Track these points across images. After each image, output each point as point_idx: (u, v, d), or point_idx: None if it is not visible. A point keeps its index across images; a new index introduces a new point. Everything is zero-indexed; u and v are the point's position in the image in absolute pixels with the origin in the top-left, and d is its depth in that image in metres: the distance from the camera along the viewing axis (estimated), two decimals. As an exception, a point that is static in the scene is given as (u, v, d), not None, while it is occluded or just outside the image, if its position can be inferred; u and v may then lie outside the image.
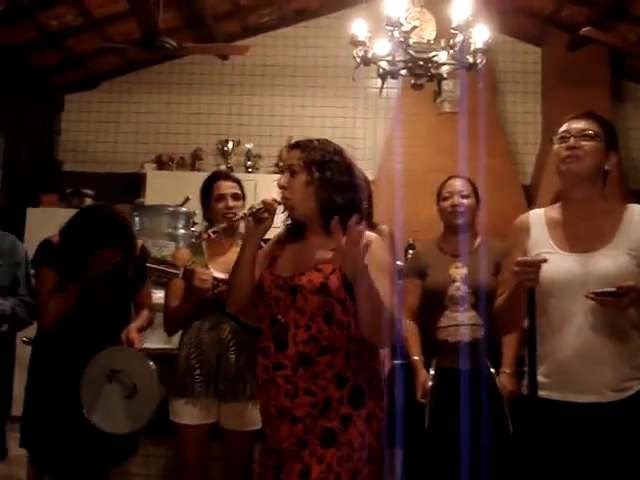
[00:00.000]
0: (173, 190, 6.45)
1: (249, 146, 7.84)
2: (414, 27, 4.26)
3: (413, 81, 4.46)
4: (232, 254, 3.16)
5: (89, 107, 8.16)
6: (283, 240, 2.49)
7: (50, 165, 7.76)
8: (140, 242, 3.38)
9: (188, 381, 3.12)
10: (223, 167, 7.78)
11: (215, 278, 3.05)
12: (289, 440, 2.25)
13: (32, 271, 3.24)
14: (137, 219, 5.23)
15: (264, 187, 7.54)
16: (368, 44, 4.47)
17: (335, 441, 2.21)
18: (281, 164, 2.49)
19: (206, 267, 3.16)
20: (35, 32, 6.89)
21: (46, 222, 3.38)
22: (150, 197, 7.15)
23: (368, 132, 7.88)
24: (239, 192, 3.33)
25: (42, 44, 7.12)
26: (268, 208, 2.35)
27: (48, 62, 7.53)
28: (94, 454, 3.07)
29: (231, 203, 3.25)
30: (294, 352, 2.25)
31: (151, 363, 3.01)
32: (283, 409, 2.26)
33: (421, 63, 4.33)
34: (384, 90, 4.73)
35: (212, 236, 2.49)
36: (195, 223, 5.38)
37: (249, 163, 7.84)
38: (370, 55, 4.44)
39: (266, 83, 8.12)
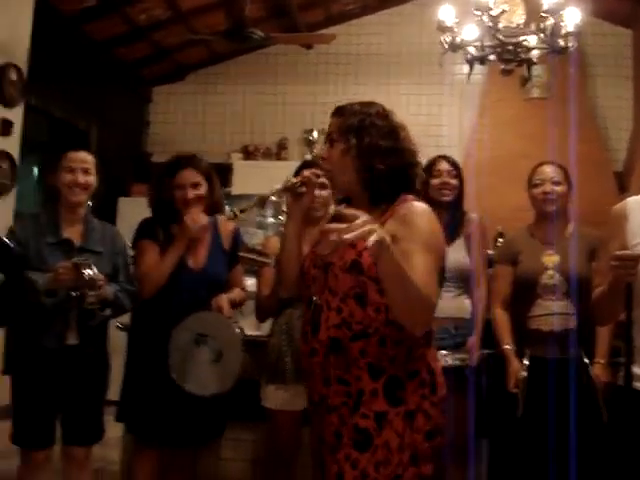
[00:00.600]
0: (259, 180, 6.51)
1: (334, 135, 7.84)
2: (503, 11, 4.18)
3: (502, 66, 4.38)
4: None
5: (176, 99, 8.31)
6: (334, 216, 2.28)
7: (140, 156, 7.94)
8: (233, 225, 3.42)
9: (279, 367, 3.16)
10: (308, 156, 7.82)
11: None
12: (327, 430, 2.09)
13: (131, 255, 3.32)
14: (227, 208, 5.30)
15: (349, 176, 7.58)
16: (456, 30, 4.41)
17: (370, 444, 1.99)
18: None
19: None
20: (124, 26, 7.06)
21: (136, 211, 3.45)
22: (237, 187, 7.24)
23: (453, 119, 7.75)
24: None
25: (130, 38, 7.30)
26: (305, 182, 2.24)
27: (136, 55, 7.72)
28: (187, 427, 3.12)
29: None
30: (325, 337, 2.07)
31: (237, 329, 3.05)
32: (323, 397, 2.11)
33: (510, 48, 4.25)
34: (469, 76, 4.64)
35: (238, 215, 2.39)
36: (284, 212, 5.40)
37: (333, 152, 7.83)
38: (458, 41, 4.37)
39: (350, 71, 8.10)
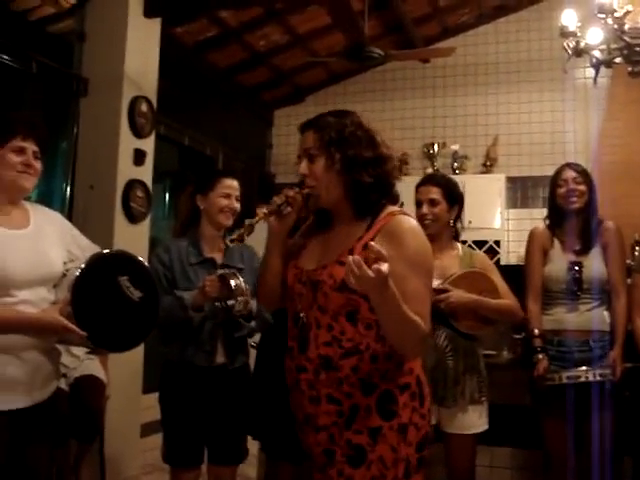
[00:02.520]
0: (382, 196, 6.55)
1: (455, 147, 7.81)
2: (627, 12, 4.04)
3: (630, 69, 4.22)
4: (448, 258, 3.17)
5: (297, 120, 8.37)
6: (312, 228, 2.24)
7: (264, 178, 8.12)
8: None
9: None
10: (429, 170, 7.80)
11: (434, 289, 3.02)
12: (315, 449, 2.07)
13: None
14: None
15: (472, 188, 7.47)
16: (579, 34, 4.29)
17: (364, 460, 1.97)
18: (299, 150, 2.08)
19: None
20: (244, 53, 7.28)
21: (263, 231, 3.51)
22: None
23: (578, 125, 7.53)
24: (437, 197, 3.15)
25: (251, 64, 7.51)
26: (290, 202, 2.13)
27: (257, 80, 7.94)
28: None
29: (425, 210, 3.16)
30: (315, 355, 2.03)
31: None
32: (308, 416, 2.08)
33: (638, 49, 4.09)
34: (591, 80, 4.50)
35: (230, 245, 2.31)
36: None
37: (455, 165, 7.80)
38: (582, 45, 4.25)
39: (469, 82, 8.03)
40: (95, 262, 2.36)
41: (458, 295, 3.01)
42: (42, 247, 2.44)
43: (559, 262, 3.41)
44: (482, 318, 3.11)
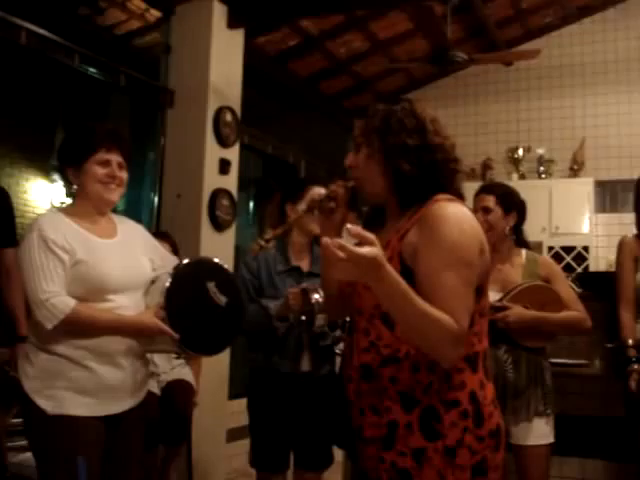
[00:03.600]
0: (467, 201, 6.46)
1: (540, 151, 7.67)
2: None
3: None
4: (510, 271, 3.12)
5: (378, 127, 8.44)
6: (368, 226, 1.97)
7: (293, 177, 8.09)
8: None
9: None
10: (514, 175, 7.68)
11: (491, 307, 2.97)
12: (369, 463, 1.88)
13: None
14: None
15: (559, 193, 7.34)
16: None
17: None
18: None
19: None
20: (325, 61, 7.31)
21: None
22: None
23: (670, 125, 7.29)
24: (491, 205, 3.13)
25: (332, 72, 7.54)
26: (332, 196, 1.98)
27: (338, 88, 7.95)
28: None
29: (480, 219, 3.10)
30: (357, 363, 1.86)
31: None
32: (358, 428, 1.91)
33: None
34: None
35: (264, 245, 2.06)
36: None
37: (542, 169, 7.66)
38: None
39: (554, 85, 7.87)
40: (185, 268, 2.45)
41: (517, 313, 2.96)
42: (131, 254, 2.52)
43: None
44: (544, 333, 3.05)
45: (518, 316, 2.96)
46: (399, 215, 1.89)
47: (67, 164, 2.52)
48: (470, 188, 8.08)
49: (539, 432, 3.03)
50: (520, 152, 7.79)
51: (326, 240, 1.51)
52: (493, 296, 3.02)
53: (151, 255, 2.60)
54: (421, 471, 1.75)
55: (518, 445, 3.05)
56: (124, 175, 2.51)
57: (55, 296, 2.28)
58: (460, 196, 1.90)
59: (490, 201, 3.12)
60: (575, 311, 3.08)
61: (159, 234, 4.00)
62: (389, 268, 1.57)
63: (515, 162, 7.83)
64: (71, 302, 2.30)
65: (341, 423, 3.26)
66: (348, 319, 2.01)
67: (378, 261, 1.53)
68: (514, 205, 3.16)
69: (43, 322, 2.29)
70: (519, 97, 8.01)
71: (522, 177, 7.72)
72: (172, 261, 2.63)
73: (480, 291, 1.81)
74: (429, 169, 1.85)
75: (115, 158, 2.48)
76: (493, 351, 2.97)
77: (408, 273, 1.72)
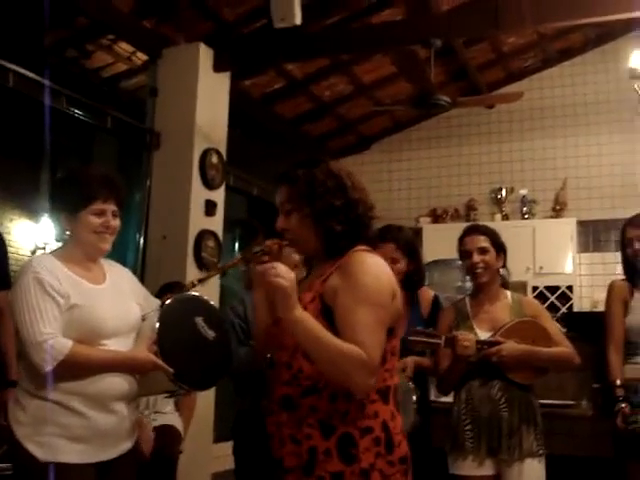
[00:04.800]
0: (450, 243, 6.48)
1: (523, 192, 7.74)
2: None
3: None
4: (498, 311, 3.15)
5: (362, 168, 8.48)
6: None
7: (246, 223, 8.09)
8: (432, 293, 3.44)
9: (459, 436, 3.08)
10: (498, 216, 7.74)
11: (478, 342, 2.99)
12: None
13: None
14: (427, 274, 5.33)
15: (542, 233, 7.39)
16: (650, 75, 4.24)
17: None
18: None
19: (471, 327, 3.12)
20: (310, 104, 7.39)
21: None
22: (427, 251, 7.24)
23: (651, 166, 7.39)
24: (487, 245, 3.15)
25: (316, 114, 7.62)
26: (267, 250, 2.14)
27: (322, 130, 8.06)
28: None
29: (476, 259, 3.14)
30: (279, 395, 2.02)
31: (412, 388, 3.04)
32: (279, 459, 2.03)
33: None
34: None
35: (197, 284, 2.31)
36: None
37: (525, 209, 7.72)
38: (654, 86, 4.20)
39: (535, 126, 7.98)
40: (174, 304, 2.45)
41: (510, 347, 2.97)
42: (122, 299, 2.51)
43: None
44: (535, 368, 3.07)
45: (511, 350, 2.97)
46: (324, 262, 2.08)
47: (61, 210, 2.50)
48: (453, 229, 8.09)
49: (532, 473, 3.00)
50: (503, 193, 7.86)
51: (258, 267, 1.86)
52: (484, 336, 3.06)
53: (138, 299, 2.59)
54: None
55: None
56: (117, 223, 2.51)
57: (53, 338, 2.26)
58: (374, 241, 2.13)
59: (485, 242, 3.16)
60: (566, 348, 3.10)
61: (175, 285, 3.92)
62: (298, 305, 1.86)
63: (498, 202, 7.90)
64: (68, 343, 2.28)
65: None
66: (269, 355, 2.16)
67: (288, 291, 1.84)
68: (502, 246, 3.21)
69: (41, 364, 2.25)
70: (502, 138, 8.10)
71: (505, 217, 7.78)
72: (155, 302, 2.63)
73: (391, 332, 2.01)
74: (354, 223, 2.05)
75: (110, 207, 2.47)
76: (486, 390, 3.04)
77: (328, 312, 1.95)
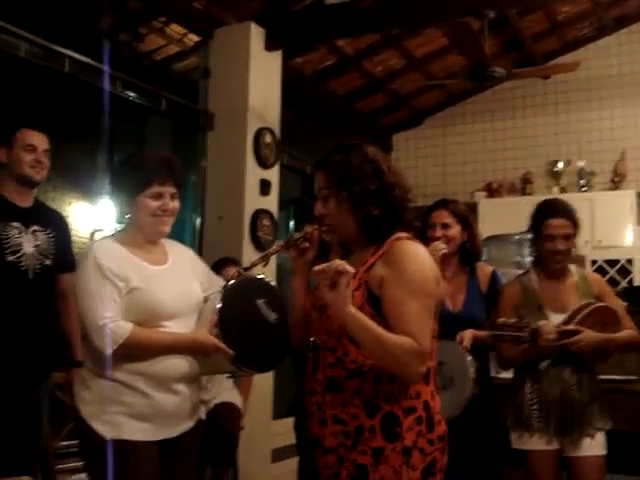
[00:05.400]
0: (506, 217, 6.43)
1: (581, 164, 7.59)
2: None
3: None
4: (566, 289, 3.17)
5: (416, 144, 8.46)
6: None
7: (302, 202, 8.07)
8: (490, 268, 3.42)
9: (525, 414, 3.11)
10: (555, 189, 7.61)
11: (559, 332, 2.99)
12: (325, 472, 2.11)
13: None
14: (484, 249, 5.26)
15: (601, 206, 7.25)
16: None
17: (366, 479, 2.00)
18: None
19: (539, 308, 3.13)
20: (362, 80, 7.34)
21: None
22: (483, 226, 7.17)
23: None
24: (570, 232, 3.15)
25: (369, 90, 7.57)
26: (308, 237, 2.24)
27: (375, 106, 7.99)
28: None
29: (560, 246, 3.11)
30: (323, 377, 2.10)
31: (470, 359, 3.01)
32: (317, 438, 2.13)
33: None
34: None
35: (242, 273, 2.44)
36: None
37: (582, 182, 7.57)
38: None
39: (592, 97, 7.79)
40: (235, 286, 2.45)
41: (589, 337, 2.98)
42: (183, 280, 2.53)
43: None
44: (606, 353, 3.10)
45: (590, 339, 2.98)
46: (364, 248, 2.14)
47: (121, 194, 2.54)
48: (510, 203, 8.04)
49: (599, 444, 3.06)
50: (560, 165, 7.72)
51: (318, 267, 1.89)
52: (555, 318, 3.08)
53: (200, 278, 2.62)
54: (377, 467, 1.99)
55: (580, 457, 3.06)
56: (176, 205, 2.53)
57: (113, 321, 2.30)
58: (412, 224, 2.21)
59: (569, 227, 3.16)
60: (630, 329, 3.12)
61: (228, 260, 4.03)
62: (351, 309, 1.91)
63: (555, 176, 7.76)
64: (129, 326, 2.32)
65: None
66: (312, 339, 2.20)
67: (341, 303, 1.89)
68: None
69: (102, 348, 2.30)
70: (558, 110, 7.94)
71: (563, 191, 7.64)
72: (218, 282, 2.65)
73: (434, 316, 2.09)
74: (391, 207, 2.12)
75: (168, 190, 2.49)
76: (556, 372, 3.07)
77: (375, 300, 2.02)
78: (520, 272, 3.51)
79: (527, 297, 3.18)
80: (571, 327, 2.99)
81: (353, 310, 1.92)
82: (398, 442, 1.99)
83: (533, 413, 3.08)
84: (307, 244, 2.25)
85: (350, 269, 1.89)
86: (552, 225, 3.13)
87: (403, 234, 2.11)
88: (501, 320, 3.01)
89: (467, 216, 3.32)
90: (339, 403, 2.06)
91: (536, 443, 3.07)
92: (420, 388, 2.06)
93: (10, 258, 3.13)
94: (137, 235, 2.52)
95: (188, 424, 2.50)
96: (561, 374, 3.06)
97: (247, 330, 2.45)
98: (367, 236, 2.13)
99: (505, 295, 3.26)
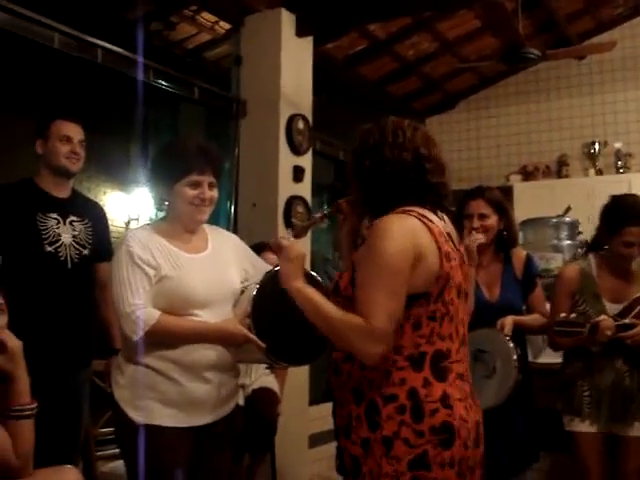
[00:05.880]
0: (543, 200, 6.36)
1: (618, 145, 7.47)
2: None
3: None
4: (622, 278, 3.18)
5: (449, 127, 8.38)
6: None
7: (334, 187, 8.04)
8: (524, 252, 3.41)
9: (576, 400, 3.16)
10: (591, 171, 7.52)
11: (617, 325, 2.99)
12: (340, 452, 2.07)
13: None
14: (520, 233, 5.23)
15: (639, 186, 7.14)
16: None
17: (359, 473, 1.93)
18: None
19: (598, 297, 3.13)
20: (394, 64, 7.30)
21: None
22: (519, 209, 7.08)
23: None
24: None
25: (401, 74, 7.52)
26: (339, 210, 2.25)
27: (407, 90, 7.93)
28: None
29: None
30: (331, 359, 2.08)
31: (512, 346, 2.99)
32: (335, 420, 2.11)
33: None
34: None
35: (291, 236, 2.40)
36: (580, 233, 5.23)
37: (619, 163, 7.46)
38: None
39: (628, 77, 7.66)
40: (272, 276, 2.40)
41: None
42: (221, 267, 2.53)
43: None
44: None
45: None
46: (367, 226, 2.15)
47: (158, 182, 2.54)
48: (545, 186, 7.95)
49: None
50: (596, 147, 7.60)
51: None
52: (611, 308, 3.11)
53: (244, 265, 2.61)
54: (366, 459, 1.92)
55: (627, 437, 3.12)
56: (215, 194, 2.52)
57: (140, 308, 2.32)
58: (437, 202, 2.06)
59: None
60: None
61: (265, 245, 4.03)
62: (300, 276, 1.98)
63: (592, 157, 7.65)
64: (156, 313, 2.33)
65: None
66: None
67: (283, 271, 2.00)
68: None
69: (129, 334, 2.33)
70: (593, 90, 7.82)
71: (599, 172, 7.54)
72: (264, 267, 2.61)
73: (428, 296, 1.93)
74: (382, 181, 2.01)
75: (207, 179, 2.47)
76: (609, 361, 3.11)
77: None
78: (559, 255, 3.49)
79: (585, 284, 3.19)
80: (627, 321, 3.02)
81: (299, 284, 1.96)
82: (378, 431, 1.90)
83: (584, 399, 3.13)
84: (341, 216, 2.27)
85: (283, 243, 1.99)
86: (633, 233, 3.09)
87: (400, 208, 1.99)
88: (562, 316, 3.00)
89: (503, 203, 3.29)
90: (337, 387, 2.04)
91: (587, 427, 3.12)
92: (406, 375, 1.91)
93: (49, 249, 3.18)
94: (175, 224, 2.52)
95: (223, 411, 2.52)
96: (614, 363, 3.10)
97: (281, 322, 2.40)
98: (368, 211, 2.13)
99: (564, 279, 3.28)
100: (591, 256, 3.27)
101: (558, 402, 3.22)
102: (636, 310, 3.04)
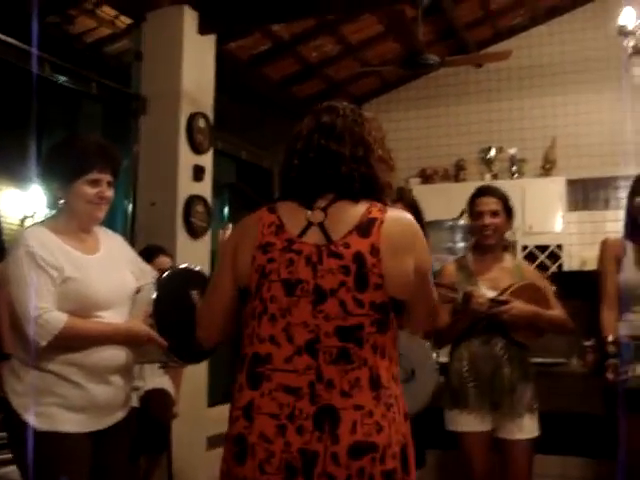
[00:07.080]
0: (440, 203, 6.49)
1: (512, 151, 7.73)
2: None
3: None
4: (498, 271, 3.27)
5: (351, 130, 8.45)
6: None
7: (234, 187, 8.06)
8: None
9: (462, 393, 3.18)
10: (487, 176, 7.73)
11: (491, 300, 3.07)
12: None
13: None
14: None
15: (532, 192, 7.39)
16: (639, 32, 4.20)
17: None
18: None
19: (475, 284, 3.20)
20: (296, 65, 7.33)
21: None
22: (417, 212, 7.26)
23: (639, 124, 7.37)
24: (498, 209, 3.24)
25: (303, 76, 7.56)
26: None
27: (310, 92, 7.96)
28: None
29: (487, 221, 3.21)
30: None
31: (432, 353, 3.05)
32: None
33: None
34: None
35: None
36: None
37: (514, 169, 7.72)
38: (643, 43, 4.17)
39: (524, 85, 7.94)
40: (170, 277, 2.43)
41: (520, 307, 3.09)
42: (117, 269, 2.50)
43: (633, 270, 3.36)
44: (536, 329, 3.20)
45: (521, 309, 3.09)
46: None
47: (54, 179, 2.46)
48: (443, 189, 8.15)
49: (529, 427, 3.15)
50: (492, 152, 7.85)
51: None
52: (488, 294, 3.15)
53: (132, 267, 2.59)
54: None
55: (509, 440, 3.15)
56: (112, 193, 2.48)
57: (47, 312, 2.25)
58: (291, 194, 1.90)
59: (498, 205, 3.27)
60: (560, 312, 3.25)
61: (157, 249, 3.97)
62: None
63: (488, 162, 7.89)
64: (63, 317, 2.28)
65: None
66: None
67: None
68: (512, 210, 3.33)
69: (36, 339, 2.25)
70: (490, 97, 8.06)
71: (495, 177, 7.77)
72: (149, 270, 2.63)
73: (248, 292, 1.81)
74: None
75: (106, 177, 2.44)
76: (488, 348, 3.15)
77: None
78: (452, 257, 3.59)
79: (463, 274, 3.28)
80: (502, 297, 3.11)
81: None
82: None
83: (469, 391, 3.15)
84: None
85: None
86: (479, 202, 3.27)
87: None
88: (435, 280, 3.06)
89: (416, 206, 3.31)
90: None
91: (470, 424, 3.14)
92: (238, 376, 1.80)
93: None
94: (70, 222, 2.46)
95: (121, 414, 2.49)
96: (492, 350, 3.15)
97: (180, 322, 2.40)
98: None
99: (444, 273, 3.35)
100: (469, 254, 3.39)
101: (443, 399, 3.21)
102: (508, 291, 3.13)
